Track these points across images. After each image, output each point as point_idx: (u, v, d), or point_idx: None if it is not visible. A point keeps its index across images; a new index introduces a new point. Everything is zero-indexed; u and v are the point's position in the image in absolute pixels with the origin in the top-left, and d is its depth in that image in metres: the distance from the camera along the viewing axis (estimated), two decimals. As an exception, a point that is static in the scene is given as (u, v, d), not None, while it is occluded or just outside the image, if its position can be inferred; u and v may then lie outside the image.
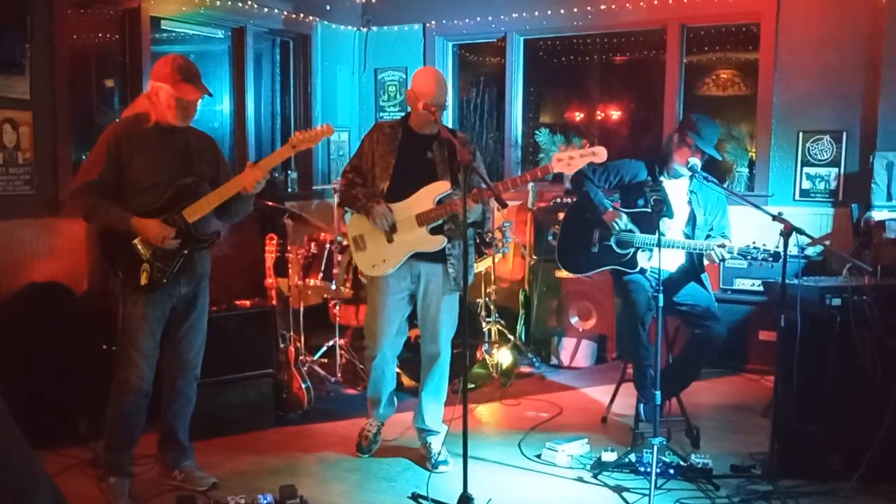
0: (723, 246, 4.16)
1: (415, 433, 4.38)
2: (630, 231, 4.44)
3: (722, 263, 4.62)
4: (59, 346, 4.37)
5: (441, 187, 4.02)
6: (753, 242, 4.12)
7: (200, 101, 3.72)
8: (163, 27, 6.00)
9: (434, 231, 4.05)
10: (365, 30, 7.58)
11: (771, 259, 4.04)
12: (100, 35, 5.81)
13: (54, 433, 4.29)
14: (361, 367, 5.33)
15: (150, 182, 3.62)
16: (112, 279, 3.71)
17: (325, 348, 5.69)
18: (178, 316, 3.79)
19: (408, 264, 4.09)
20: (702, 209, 4.46)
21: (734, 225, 4.59)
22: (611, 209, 4.47)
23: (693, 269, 4.50)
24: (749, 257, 4.12)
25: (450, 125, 7.44)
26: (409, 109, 4.15)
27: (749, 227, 5.09)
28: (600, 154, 3.83)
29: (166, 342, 3.79)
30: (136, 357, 3.65)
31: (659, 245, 3.92)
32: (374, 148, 4.14)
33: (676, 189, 4.48)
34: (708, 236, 4.45)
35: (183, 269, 3.69)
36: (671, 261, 4.45)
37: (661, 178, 4.46)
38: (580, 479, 3.99)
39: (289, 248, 5.33)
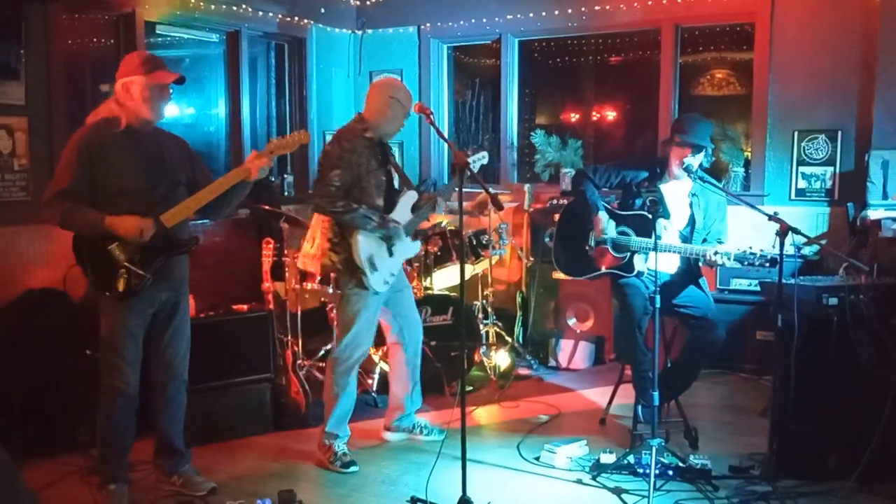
0: (717, 253, 4.13)
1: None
2: (625, 234, 4.44)
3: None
4: (56, 353, 4.36)
5: (412, 197, 4.28)
6: (750, 247, 4.11)
7: (171, 96, 3.67)
8: (157, 31, 6.00)
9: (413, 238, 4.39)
10: (360, 32, 7.58)
11: (768, 264, 4.04)
12: (94, 40, 5.81)
13: (53, 440, 4.28)
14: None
15: (123, 188, 3.54)
16: (89, 287, 3.64)
17: (322, 352, 5.68)
18: (160, 323, 3.75)
19: None
20: (702, 212, 4.44)
21: (731, 225, 4.58)
22: (600, 213, 4.47)
23: (690, 270, 4.49)
24: (746, 262, 4.11)
25: (445, 128, 7.48)
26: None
27: (745, 227, 5.11)
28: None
29: (151, 350, 3.75)
30: (121, 363, 3.61)
31: (655, 248, 3.93)
32: (359, 161, 4.10)
33: (678, 192, 4.47)
34: (704, 240, 4.43)
35: (161, 275, 3.62)
36: (669, 263, 4.45)
37: (661, 183, 4.45)
38: (579, 481, 3.99)
39: (286, 251, 5.32)
